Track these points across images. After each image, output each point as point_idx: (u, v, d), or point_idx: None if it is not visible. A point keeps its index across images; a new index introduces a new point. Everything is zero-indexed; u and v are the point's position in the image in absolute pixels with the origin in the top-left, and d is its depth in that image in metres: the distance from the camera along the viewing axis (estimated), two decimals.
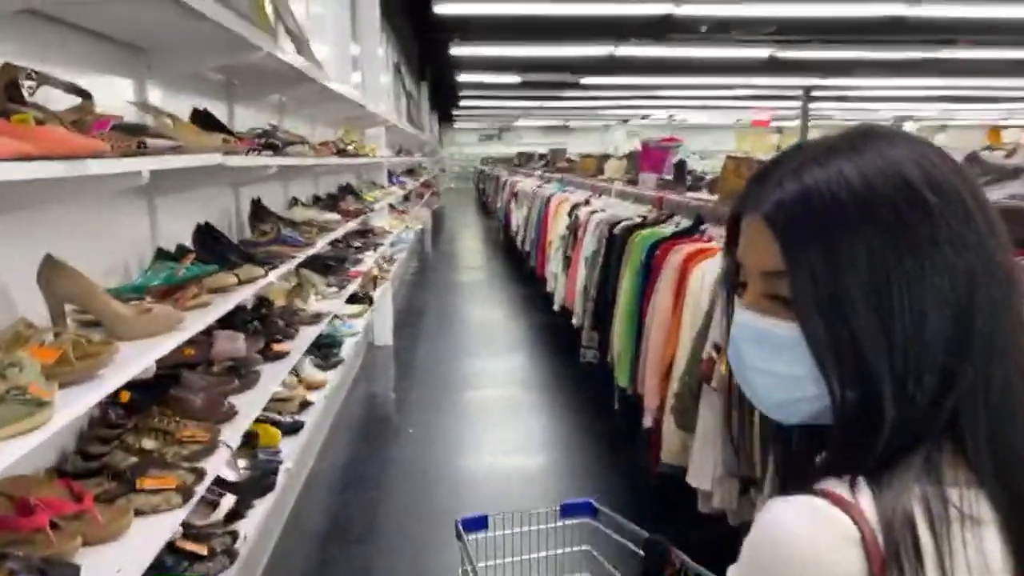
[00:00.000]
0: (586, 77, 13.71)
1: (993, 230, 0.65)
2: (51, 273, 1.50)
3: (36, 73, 1.34)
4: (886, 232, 0.62)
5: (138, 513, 1.51)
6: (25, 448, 1.00)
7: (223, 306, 1.90)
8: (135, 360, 1.40)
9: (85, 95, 1.41)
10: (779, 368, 0.67)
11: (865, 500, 0.61)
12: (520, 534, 1.35)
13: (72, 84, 1.39)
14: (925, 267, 0.62)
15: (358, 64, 6.85)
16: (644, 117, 23.11)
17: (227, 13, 1.89)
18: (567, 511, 1.36)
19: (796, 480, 0.69)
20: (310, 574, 2.84)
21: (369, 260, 4.95)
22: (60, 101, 1.44)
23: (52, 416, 1.05)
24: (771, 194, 0.67)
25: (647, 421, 3.00)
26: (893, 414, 0.62)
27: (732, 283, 0.73)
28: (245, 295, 2.11)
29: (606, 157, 6.95)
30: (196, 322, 1.70)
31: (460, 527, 1.32)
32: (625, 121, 24.37)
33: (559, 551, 1.37)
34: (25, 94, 1.34)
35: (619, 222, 4.07)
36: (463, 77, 14.18)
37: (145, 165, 1.36)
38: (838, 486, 0.62)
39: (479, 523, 1.34)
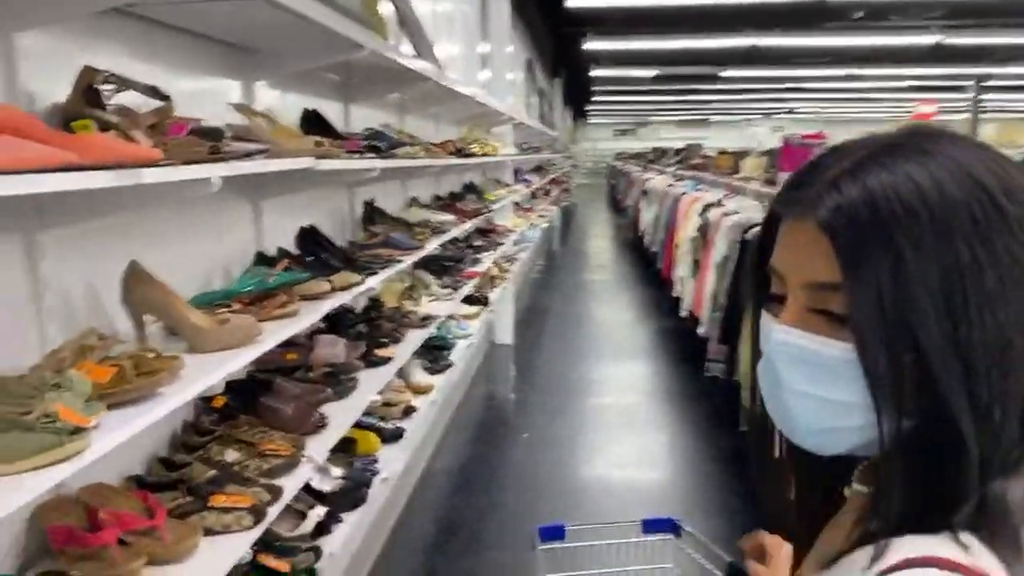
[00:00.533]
0: (727, 69, 13.09)
1: None
2: (133, 282, 1.47)
3: (114, 76, 1.30)
4: (963, 244, 0.56)
5: (208, 532, 1.45)
6: (51, 482, 0.93)
7: (310, 316, 1.83)
8: (204, 376, 1.33)
9: (164, 98, 1.36)
10: (826, 393, 0.60)
11: (986, 561, 0.54)
12: (599, 547, 1.34)
13: (151, 87, 1.35)
14: (1006, 282, 0.56)
15: (487, 62, 6.82)
16: (790, 111, 21.90)
17: (332, 13, 1.83)
18: (649, 527, 1.32)
19: (812, 513, 0.71)
20: None
21: (488, 260, 4.87)
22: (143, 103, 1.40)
23: (88, 445, 0.98)
24: (826, 197, 0.59)
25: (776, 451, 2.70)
26: (977, 451, 0.55)
27: (761, 295, 0.66)
28: (340, 302, 2.04)
29: (743, 154, 6.50)
30: (277, 333, 1.63)
31: (537, 536, 1.32)
32: (768, 115, 23.20)
33: (638, 567, 1.33)
34: (104, 97, 1.31)
35: (754, 226, 3.75)
36: (597, 72, 13.93)
37: (215, 171, 1.28)
38: (941, 547, 0.55)
39: (556, 532, 1.33)
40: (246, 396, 1.97)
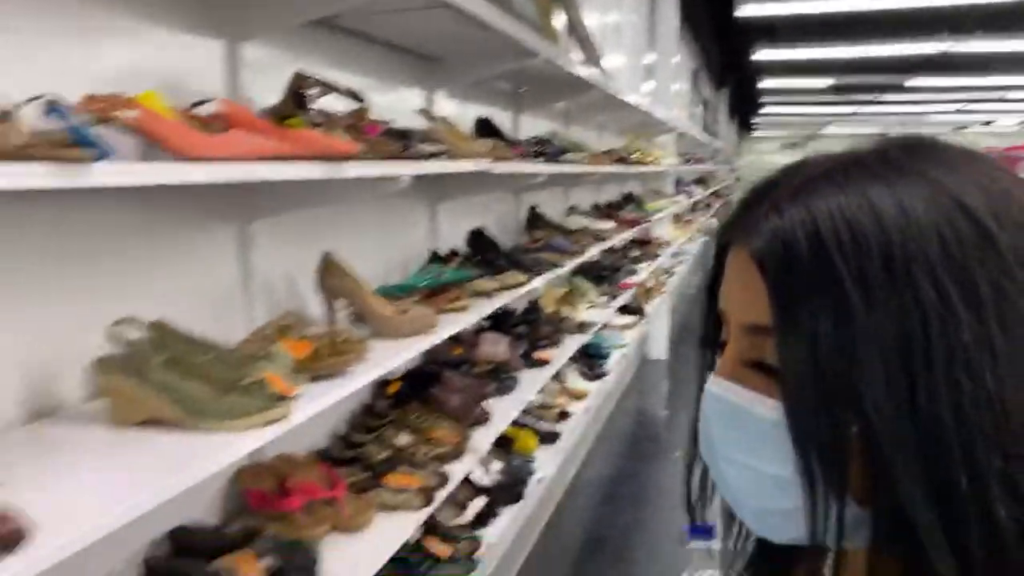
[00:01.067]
0: (913, 77, 12.13)
1: None
2: (326, 271, 1.59)
3: (320, 81, 1.42)
4: (928, 283, 0.43)
5: (381, 508, 1.54)
6: (259, 441, 1.03)
7: (480, 310, 1.90)
8: (386, 360, 1.42)
9: (360, 101, 1.47)
10: (759, 464, 0.49)
11: None
12: None
13: (350, 90, 1.46)
14: (992, 330, 0.43)
15: (652, 72, 6.76)
16: (987, 123, 19.91)
17: (512, 21, 1.90)
18: None
19: None
20: None
21: (645, 271, 4.82)
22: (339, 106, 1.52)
23: (290, 412, 1.08)
24: (763, 223, 0.48)
25: None
26: (947, 555, 0.43)
27: (709, 340, 0.56)
28: (506, 300, 2.10)
29: None
30: (450, 326, 1.71)
31: (687, 534, 1.35)
32: (961, 128, 21.22)
33: None
34: (309, 100, 1.44)
35: None
36: (766, 83, 13.39)
37: (405, 169, 1.37)
38: None
39: (705, 532, 1.30)
40: (417, 385, 2.08)
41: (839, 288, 0.44)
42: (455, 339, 2.48)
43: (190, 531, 1.34)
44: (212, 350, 1.12)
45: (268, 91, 1.47)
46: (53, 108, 0.73)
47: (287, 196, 1.51)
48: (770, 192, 0.50)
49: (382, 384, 2.11)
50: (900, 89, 13.21)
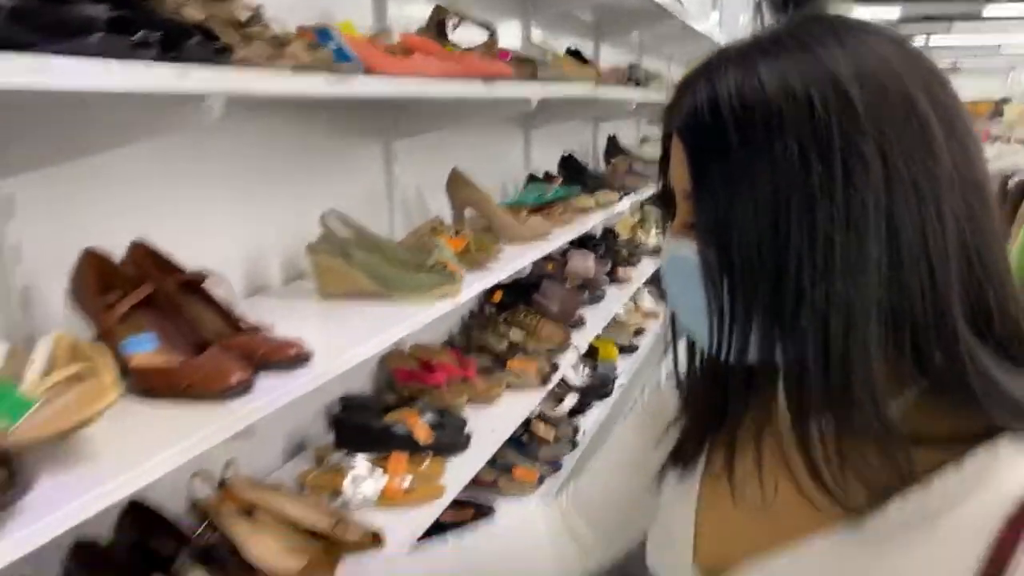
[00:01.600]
0: (991, 5, 11.58)
1: (963, 145, 0.53)
2: (456, 183, 1.81)
3: (456, 13, 1.62)
4: (792, 139, 0.51)
5: (507, 387, 1.79)
6: (440, 312, 1.27)
7: (582, 225, 2.10)
8: (516, 258, 1.65)
9: (491, 31, 1.66)
10: (691, 300, 0.58)
11: None
12: None
13: (485, 21, 1.65)
14: (836, 180, 0.50)
15: (717, 3, 6.70)
16: None
17: None
18: None
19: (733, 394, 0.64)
20: None
21: None
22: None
23: (461, 291, 1.31)
24: (683, 103, 0.57)
25: None
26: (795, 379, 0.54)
27: (664, 212, 0.64)
28: (600, 218, 2.30)
29: (1005, 100, 5.89)
30: (561, 235, 1.92)
31: None
32: None
33: None
34: (448, 31, 1.63)
35: (1015, 174, 3.49)
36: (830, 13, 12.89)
37: (535, 92, 1.56)
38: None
39: None
40: (517, 294, 2.31)
41: (729, 154, 0.53)
42: (547, 257, 2.70)
43: (358, 397, 1.61)
44: (388, 242, 1.36)
45: (410, 20, 1.68)
46: (322, 32, 0.95)
47: (421, 118, 1.73)
48: (695, 78, 0.57)
49: (488, 293, 2.35)
50: (978, 18, 12.62)
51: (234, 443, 1.21)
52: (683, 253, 0.57)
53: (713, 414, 0.67)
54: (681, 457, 0.70)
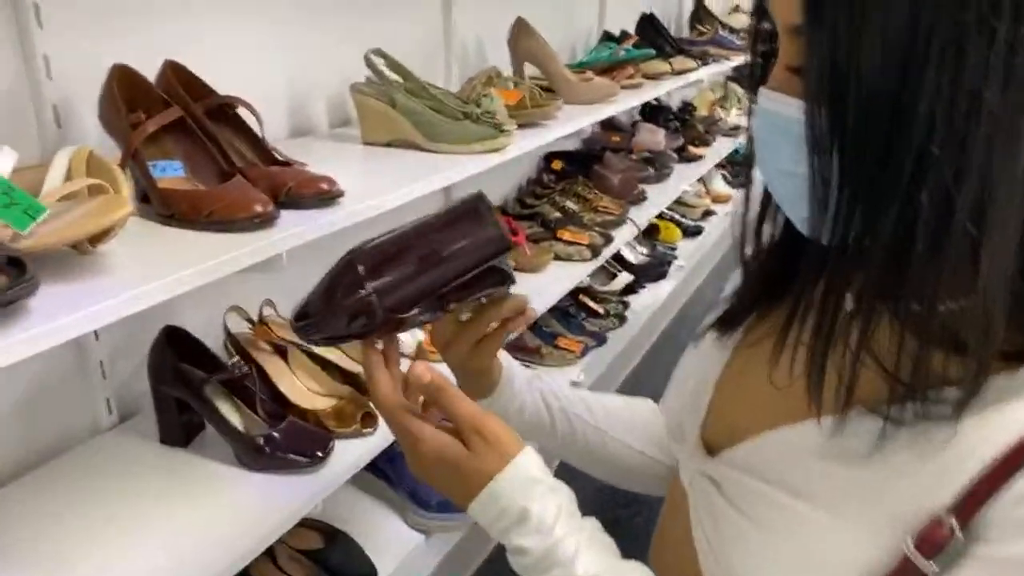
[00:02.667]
0: None
1: None
2: (519, 33, 1.69)
3: None
4: None
5: (556, 258, 1.74)
6: (487, 164, 1.20)
7: (652, 91, 1.97)
8: (574, 120, 1.55)
9: None
10: (787, 166, 0.47)
11: None
12: None
13: None
14: (1002, 17, 0.39)
15: None
16: None
17: None
18: None
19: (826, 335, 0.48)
20: None
21: None
22: None
23: (510, 143, 1.24)
24: None
25: None
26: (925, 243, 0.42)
27: (756, 58, 0.53)
28: (673, 86, 2.15)
29: None
30: (627, 100, 1.80)
31: None
32: None
33: None
34: None
35: None
36: None
37: None
38: None
39: None
40: (579, 165, 2.22)
41: None
42: (614, 128, 2.57)
43: None
44: (437, 88, 1.28)
45: None
46: None
47: None
48: None
49: (547, 160, 2.26)
50: None
51: (269, 282, 1.21)
52: (782, 109, 0.46)
53: (770, 284, 0.60)
54: (725, 323, 0.63)
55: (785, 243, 0.58)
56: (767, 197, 0.57)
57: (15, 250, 0.65)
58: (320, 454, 0.99)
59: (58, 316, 0.63)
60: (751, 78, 0.54)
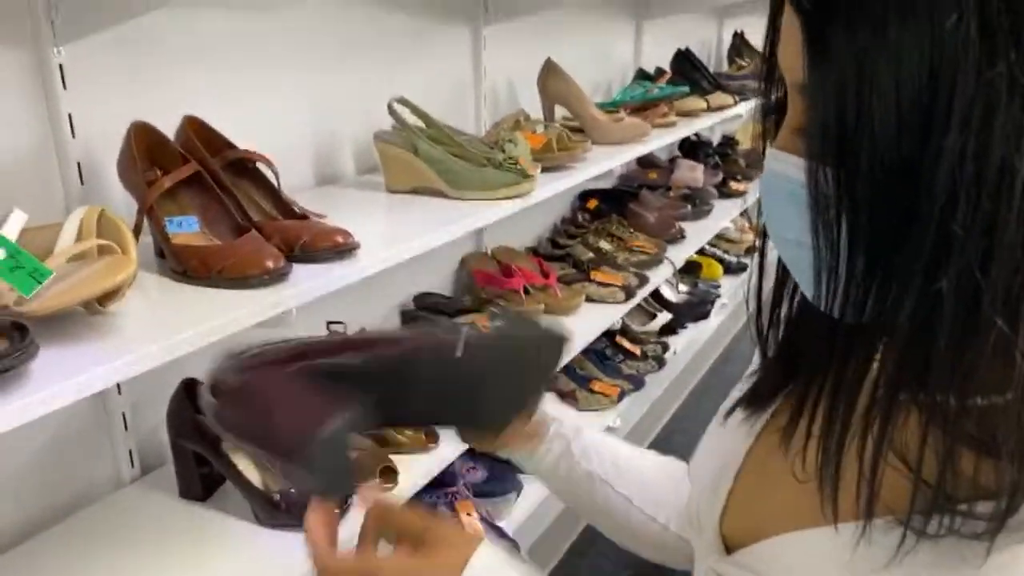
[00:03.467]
0: None
1: None
2: (548, 75, 1.69)
3: None
4: (975, 8, 0.34)
5: (588, 299, 1.71)
6: (508, 211, 1.18)
7: (687, 128, 1.93)
8: (604, 161, 1.52)
9: None
10: (793, 232, 0.43)
11: None
12: None
13: None
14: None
15: None
16: None
17: None
18: None
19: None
20: None
21: None
22: None
23: (533, 188, 1.22)
24: None
25: None
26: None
27: (767, 114, 0.48)
28: (710, 122, 2.11)
29: None
30: (660, 138, 1.77)
31: None
32: None
33: None
34: None
35: None
36: None
37: None
38: None
39: None
40: (614, 203, 2.19)
41: (865, 12, 0.36)
42: (651, 164, 2.54)
43: (432, 295, 1.57)
44: (462, 134, 1.27)
45: None
46: None
47: (514, 1, 1.59)
48: None
49: (582, 199, 2.24)
50: None
51: (286, 331, 1.20)
52: (786, 170, 0.43)
53: (794, 363, 0.54)
54: (751, 402, 0.58)
55: (806, 317, 0.52)
56: (783, 265, 0.52)
57: (19, 314, 0.65)
58: (338, 511, 0.97)
59: (54, 382, 0.62)
60: (761, 137, 0.51)
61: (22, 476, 0.98)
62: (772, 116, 0.49)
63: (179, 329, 0.72)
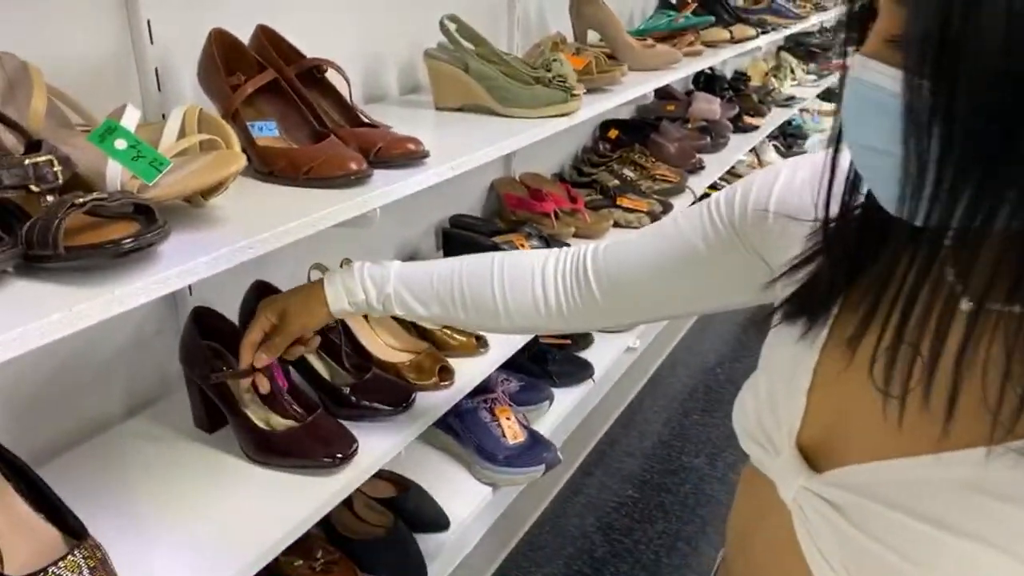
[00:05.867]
0: None
1: None
2: (583, 1, 1.70)
3: None
4: None
5: (615, 224, 1.76)
6: (555, 128, 1.23)
7: (712, 58, 1.96)
8: (638, 86, 1.56)
9: None
10: (878, 143, 0.42)
11: None
12: None
13: None
14: None
15: None
16: None
17: None
18: None
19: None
20: None
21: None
22: None
23: (579, 107, 1.26)
24: None
25: None
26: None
27: (854, 22, 0.46)
28: (733, 53, 2.13)
29: None
30: (689, 66, 1.80)
31: None
32: None
33: None
34: None
35: None
36: None
37: None
38: None
39: None
40: (634, 133, 2.22)
41: None
42: (669, 96, 2.57)
43: (467, 217, 1.62)
44: (508, 55, 1.30)
45: None
46: None
47: None
48: None
49: (603, 128, 2.27)
50: None
51: (350, 243, 1.26)
52: (875, 78, 0.40)
53: (858, 266, 0.52)
54: (803, 310, 0.56)
55: (871, 219, 0.50)
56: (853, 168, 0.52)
57: (145, 199, 0.70)
58: (403, 404, 1.04)
59: (186, 260, 0.67)
60: (845, 41, 0.47)
61: (111, 368, 1.05)
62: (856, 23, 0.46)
63: (280, 222, 0.77)
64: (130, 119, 0.73)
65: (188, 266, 0.66)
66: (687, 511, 2.13)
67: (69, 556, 0.74)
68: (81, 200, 0.63)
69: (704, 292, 0.71)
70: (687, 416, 2.58)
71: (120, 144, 0.71)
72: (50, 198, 0.65)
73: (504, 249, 1.47)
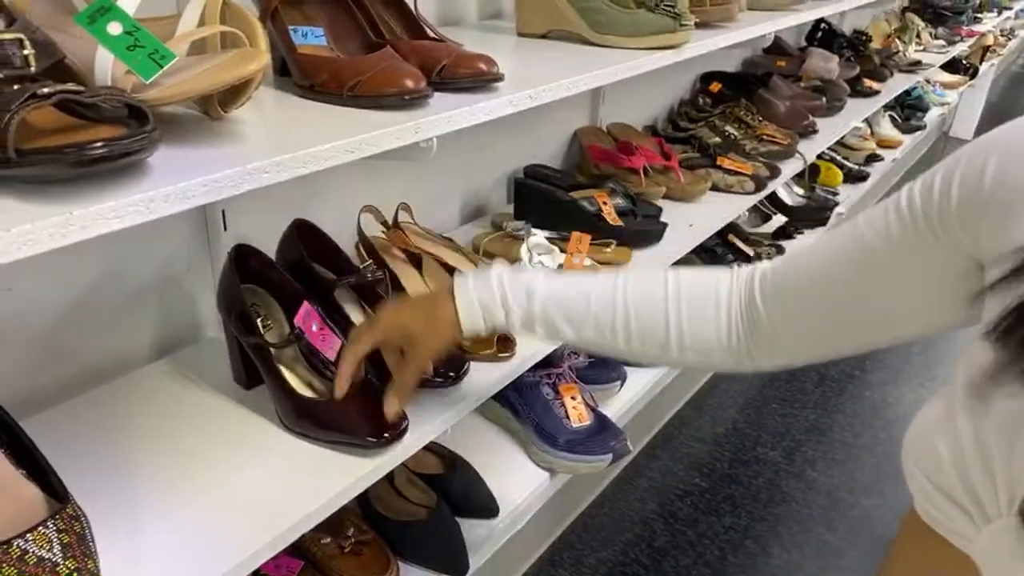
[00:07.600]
0: None
1: None
2: None
3: None
4: None
5: (713, 188, 1.55)
6: (658, 64, 1.03)
7: (838, 4, 1.70)
8: (756, 26, 1.34)
9: None
10: None
11: None
12: None
13: None
14: None
15: None
16: None
17: None
18: None
19: None
20: None
21: (990, 23, 4.03)
22: None
23: (688, 40, 1.06)
24: None
25: None
26: None
27: None
28: (860, 2, 1.86)
29: None
30: (814, 10, 1.56)
31: None
32: None
33: None
34: None
35: None
36: None
37: None
38: None
39: None
40: (738, 89, 1.98)
41: None
42: (780, 51, 2.30)
43: (544, 167, 1.44)
44: None
45: None
46: None
47: None
48: None
49: (704, 80, 2.04)
50: None
51: (405, 183, 1.10)
52: None
53: None
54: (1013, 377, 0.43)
55: None
56: None
57: (138, 100, 0.55)
58: (454, 375, 0.89)
59: (179, 179, 0.53)
60: None
61: (135, 306, 0.93)
62: None
63: (311, 142, 0.62)
64: (129, 1, 0.58)
65: (179, 187, 0.52)
66: (759, 507, 1.95)
67: (40, 528, 0.61)
68: (48, 90, 0.49)
69: (890, 306, 0.56)
70: (766, 404, 2.37)
71: (114, 28, 0.56)
72: (16, 87, 0.52)
73: (583, 206, 1.31)
